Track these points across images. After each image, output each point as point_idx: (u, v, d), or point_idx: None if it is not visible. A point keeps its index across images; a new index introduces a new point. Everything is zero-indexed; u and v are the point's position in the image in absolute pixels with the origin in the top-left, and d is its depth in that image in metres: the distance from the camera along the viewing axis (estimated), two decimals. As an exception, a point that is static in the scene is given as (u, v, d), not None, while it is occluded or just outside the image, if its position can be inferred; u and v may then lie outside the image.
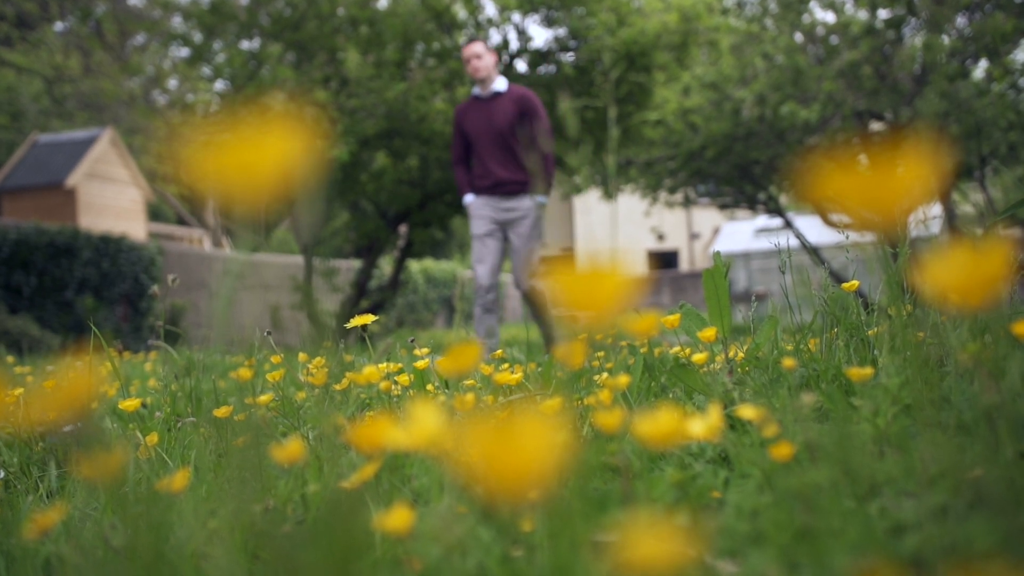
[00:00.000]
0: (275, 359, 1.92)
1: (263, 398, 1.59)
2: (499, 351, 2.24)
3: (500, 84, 5.01)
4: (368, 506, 0.88)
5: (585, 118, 9.19)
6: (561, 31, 9.15)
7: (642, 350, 1.70)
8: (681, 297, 21.51)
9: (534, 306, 5.02)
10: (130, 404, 1.45)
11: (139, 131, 20.81)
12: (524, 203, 4.99)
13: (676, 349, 1.98)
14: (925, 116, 8.72)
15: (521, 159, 5.01)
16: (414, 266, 17.67)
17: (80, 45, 21.59)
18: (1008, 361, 0.93)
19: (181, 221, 22.79)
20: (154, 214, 21.16)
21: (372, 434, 0.72)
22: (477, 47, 4.93)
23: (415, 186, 9.39)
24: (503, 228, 5.04)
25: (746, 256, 19.75)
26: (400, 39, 8.61)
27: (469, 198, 5.06)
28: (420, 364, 1.74)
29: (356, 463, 0.94)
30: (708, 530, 0.77)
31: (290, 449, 0.89)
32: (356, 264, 11.81)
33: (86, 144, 15.41)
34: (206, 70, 9.85)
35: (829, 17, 16.81)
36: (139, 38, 22.94)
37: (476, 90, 5.04)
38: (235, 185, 0.50)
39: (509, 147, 4.98)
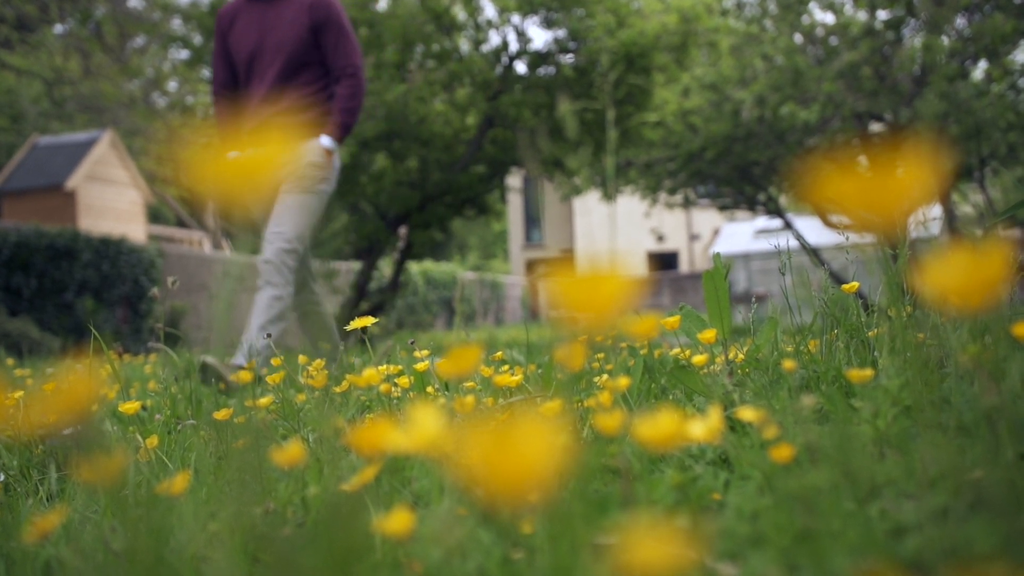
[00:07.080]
0: (275, 361, 1.92)
1: (263, 400, 1.59)
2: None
3: None
4: (368, 509, 0.88)
5: (584, 120, 9.20)
6: (560, 32, 9.16)
7: (642, 352, 1.70)
8: (681, 298, 21.52)
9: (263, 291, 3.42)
10: (130, 407, 1.45)
11: (139, 133, 20.83)
12: (304, 151, 3.40)
13: (676, 351, 1.98)
14: (925, 117, 8.72)
15: (311, 95, 3.47)
16: (414, 268, 17.67)
17: (80, 47, 21.62)
18: (1008, 362, 0.93)
19: (181, 223, 22.79)
20: (154, 216, 21.15)
21: (372, 437, 0.72)
22: None
23: (415, 188, 9.39)
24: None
25: (746, 257, 19.75)
26: (399, 41, 8.61)
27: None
28: (420, 366, 1.74)
29: (356, 466, 0.94)
30: (708, 532, 0.77)
31: (290, 452, 0.89)
32: (356, 266, 11.81)
33: (86, 146, 15.40)
34: (206, 72, 9.85)
35: (828, 18, 16.84)
36: (139, 40, 22.98)
37: None
38: (235, 187, 0.50)
39: (291, 75, 3.42)
